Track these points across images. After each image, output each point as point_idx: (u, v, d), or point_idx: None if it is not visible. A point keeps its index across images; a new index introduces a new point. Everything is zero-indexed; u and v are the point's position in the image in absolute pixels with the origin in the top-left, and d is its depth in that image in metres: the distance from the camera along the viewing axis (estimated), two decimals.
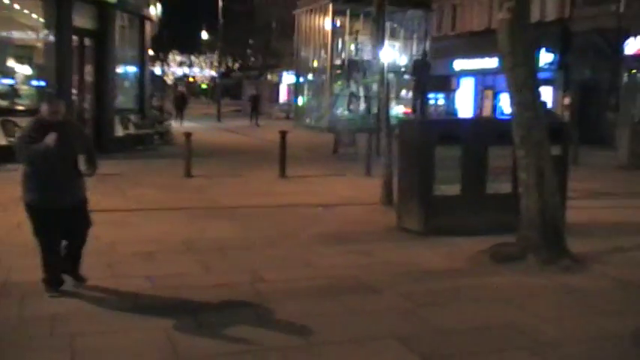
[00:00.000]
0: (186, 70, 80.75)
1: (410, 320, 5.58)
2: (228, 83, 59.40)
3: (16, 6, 17.38)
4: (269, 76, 51.93)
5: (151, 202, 10.90)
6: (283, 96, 48.38)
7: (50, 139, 5.63)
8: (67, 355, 4.69)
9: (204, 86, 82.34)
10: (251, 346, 4.91)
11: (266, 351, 4.82)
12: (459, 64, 34.58)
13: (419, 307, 5.92)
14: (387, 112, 11.52)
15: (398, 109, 30.61)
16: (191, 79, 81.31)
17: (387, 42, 17.78)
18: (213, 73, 69.83)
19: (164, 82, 60.81)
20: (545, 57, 27.58)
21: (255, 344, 4.94)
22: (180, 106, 34.52)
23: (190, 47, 72.99)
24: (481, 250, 7.71)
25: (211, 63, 74.27)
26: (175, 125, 26.25)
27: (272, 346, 4.90)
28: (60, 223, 5.91)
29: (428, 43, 33.29)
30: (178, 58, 78.52)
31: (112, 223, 8.80)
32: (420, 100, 30.08)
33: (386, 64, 12.00)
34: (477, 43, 31.06)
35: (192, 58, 78.82)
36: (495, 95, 32.01)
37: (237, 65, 65.29)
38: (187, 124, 28.98)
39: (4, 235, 8.21)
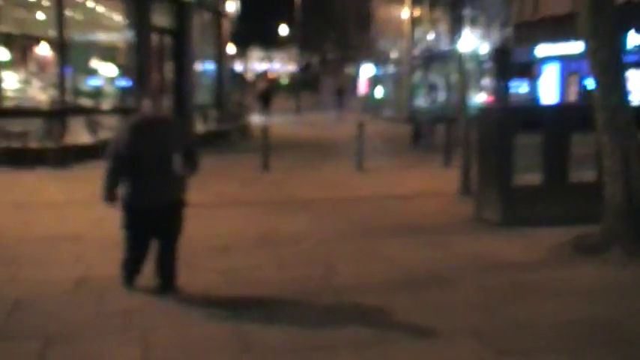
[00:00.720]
0: (266, 65, 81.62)
1: (486, 314, 5.39)
2: (307, 77, 59.58)
3: (99, 9, 17.88)
4: (347, 69, 51.78)
5: (229, 197, 11.00)
6: (362, 88, 48.17)
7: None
8: (140, 348, 4.74)
9: (284, 81, 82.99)
10: (323, 341, 4.85)
11: (338, 346, 4.74)
12: (542, 50, 33.49)
13: (496, 300, 5.72)
14: (465, 100, 11.23)
15: (479, 98, 30.01)
16: (271, 75, 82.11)
17: (467, 30, 17.41)
18: (293, 67, 70.33)
19: (244, 78, 61.57)
20: (636, 39, 26.39)
21: (327, 339, 4.87)
22: (266, 101, 33.60)
23: (270, 42, 73.71)
24: (563, 241, 7.42)
25: (291, 58, 74.85)
26: (260, 120, 26.30)
27: (345, 342, 4.81)
28: (151, 222, 5.79)
29: (509, 30, 32.44)
30: (259, 54, 79.44)
31: (190, 218, 8.82)
32: (501, 88, 29.37)
33: (466, 53, 11.70)
34: (561, 28, 29.96)
35: (272, 53, 79.60)
36: (581, 81, 30.89)
37: (315, 59, 65.46)
38: (263, 119, 28.79)
39: (85, 230, 8.41)
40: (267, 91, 35.90)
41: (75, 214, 9.50)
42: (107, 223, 8.70)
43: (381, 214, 9.59)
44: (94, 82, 19.17)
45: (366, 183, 12.63)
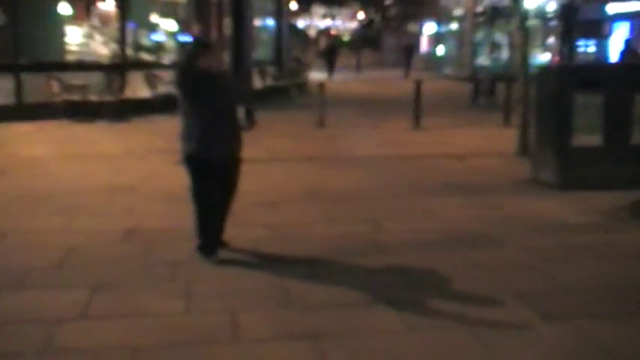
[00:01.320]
0: (328, 22, 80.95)
1: (531, 276, 5.27)
2: (368, 34, 58.87)
3: None
4: (409, 27, 50.94)
5: (282, 152, 11.01)
6: (424, 46, 47.37)
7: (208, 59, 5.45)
8: (184, 299, 4.80)
9: (345, 38, 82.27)
10: (363, 298, 4.82)
11: (378, 303, 4.71)
12: (613, 7, 32.23)
13: (543, 262, 5.57)
14: (526, 58, 10.88)
15: (544, 57, 29.14)
16: (333, 31, 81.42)
17: None
18: (354, 25, 69.56)
19: (306, 34, 61.24)
20: None
21: (367, 297, 4.84)
22: (331, 58, 32.65)
23: None
24: (620, 204, 7.19)
25: (353, 15, 74.02)
26: (321, 77, 26.02)
27: (385, 299, 4.77)
28: (216, 177, 5.62)
29: None
30: (321, 10, 78.78)
31: (242, 173, 8.92)
32: (567, 47, 28.42)
33: (530, 9, 11.30)
34: None
35: (334, 10, 78.81)
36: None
37: (377, 16, 64.58)
38: (323, 76, 27.87)
39: (138, 183, 8.55)
40: (331, 48, 34.94)
41: (130, 166, 9.67)
42: (160, 176, 8.91)
43: (434, 173, 9.45)
44: (155, 37, 19.35)
45: (421, 141, 12.46)
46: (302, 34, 57.53)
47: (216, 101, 5.47)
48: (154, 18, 19.90)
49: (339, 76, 26.86)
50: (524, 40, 10.90)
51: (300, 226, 6.68)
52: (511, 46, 30.59)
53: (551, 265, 5.52)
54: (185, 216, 5.96)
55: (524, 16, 11.16)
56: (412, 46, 34.76)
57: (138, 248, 5.95)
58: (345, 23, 79.29)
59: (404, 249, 5.94)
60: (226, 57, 18.37)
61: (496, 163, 10.23)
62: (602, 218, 6.98)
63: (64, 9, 17.59)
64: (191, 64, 5.55)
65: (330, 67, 31.87)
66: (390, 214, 7.12)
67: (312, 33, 72.36)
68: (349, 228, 6.63)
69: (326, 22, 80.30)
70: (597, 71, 9.77)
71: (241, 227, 6.46)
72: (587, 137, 8.47)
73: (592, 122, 8.44)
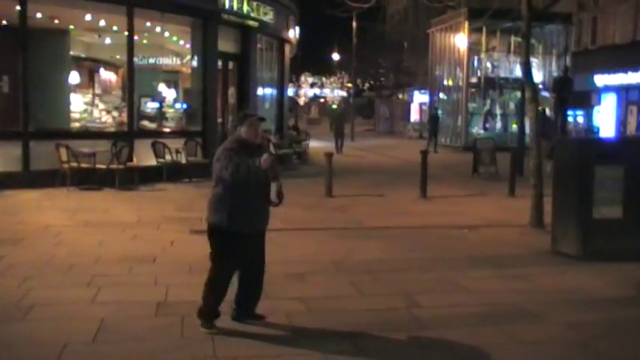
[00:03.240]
0: (317, 90, 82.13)
1: (582, 353, 5.20)
2: (359, 102, 59.75)
3: (166, 33, 18.20)
4: (400, 95, 51.77)
5: (296, 222, 10.95)
6: (415, 115, 48.04)
7: (266, 161, 5.28)
8: None
9: (334, 106, 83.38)
10: None
11: None
12: (601, 79, 32.96)
13: (590, 338, 5.51)
14: (539, 131, 11.02)
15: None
16: (322, 100, 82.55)
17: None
18: (344, 93, 70.58)
19: (296, 102, 61.94)
20: None
21: None
22: (339, 128, 28.65)
23: (322, 68, 74.25)
24: None
25: (342, 83, 75.19)
26: (321, 146, 25.98)
27: None
28: (243, 250, 5.62)
29: (568, 58, 32.02)
30: (310, 79, 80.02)
31: None
32: (560, 118, 28.85)
33: (532, 81, 11.49)
34: (621, 57, 29.54)
35: (324, 79, 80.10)
36: None
37: (367, 85, 65.65)
38: (317, 144, 27.21)
39: (159, 252, 8.46)
40: (339, 117, 31.16)
41: (146, 235, 9.57)
42: (179, 246, 8.83)
43: (453, 244, 9.44)
44: (153, 105, 19.51)
45: (431, 210, 12.47)
46: (292, 102, 58.25)
47: (251, 175, 5.40)
48: (156, 86, 20.11)
49: (334, 145, 26.99)
50: (536, 114, 11.05)
51: (332, 300, 6.59)
52: (504, 115, 31.11)
53: (599, 340, 5.45)
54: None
55: (535, 88, 11.35)
56: (437, 116, 30.58)
57: (170, 322, 5.81)
58: (334, 91, 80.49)
59: (443, 324, 5.86)
60: (230, 125, 18.53)
61: (511, 233, 10.24)
62: (635, 291, 6.94)
63: (73, 78, 17.75)
64: (237, 140, 5.55)
65: (340, 137, 28.20)
66: (420, 287, 7.06)
67: (301, 101, 73.31)
68: (383, 302, 6.56)
69: (314, 91, 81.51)
70: (616, 144, 9.92)
71: (273, 300, 6.37)
72: (608, 209, 8.51)
73: (613, 195, 8.49)
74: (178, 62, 20.58)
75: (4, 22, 16.14)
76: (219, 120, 18.00)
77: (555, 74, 30.16)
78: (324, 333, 5.61)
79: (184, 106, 19.71)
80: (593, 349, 5.27)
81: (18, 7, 13.70)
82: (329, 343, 5.34)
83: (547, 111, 28.72)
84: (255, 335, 5.51)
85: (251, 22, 18.50)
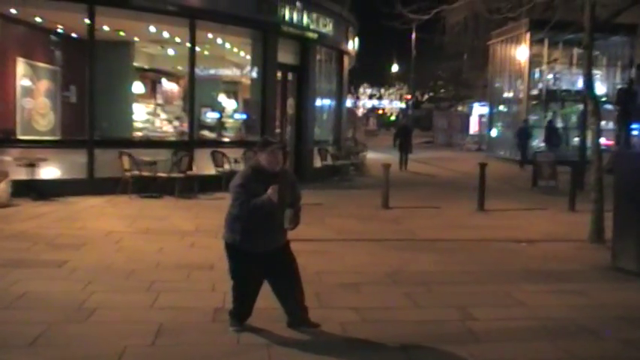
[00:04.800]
0: (375, 102, 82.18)
1: None
2: (418, 114, 59.50)
3: (227, 45, 18.52)
4: (459, 107, 51.36)
5: (351, 233, 11.02)
6: (474, 127, 47.56)
7: (272, 194, 5.43)
8: None
9: (392, 118, 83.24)
10: None
11: None
12: None
13: None
14: (598, 145, 10.84)
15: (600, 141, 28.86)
16: (380, 111, 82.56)
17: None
18: (402, 104, 70.48)
19: (354, 114, 62.07)
20: None
21: None
22: (403, 142, 25.21)
23: (381, 79, 74.30)
24: None
25: (400, 95, 75.11)
26: (379, 157, 25.80)
27: None
28: (260, 265, 5.75)
29: (633, 71, 31.26)
30: (368, 90, 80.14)
31: (315, 253, 8.95)
32: (624, 132, 28.18)
33: (595, 94, 11.31)
34: None
35: (382, 90, 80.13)
36: None
37: (426, 96, 65.40)
38: (375, 155, 27.24)
39: (217, 260, 8.55)
40: (405, 129, 27.32)
41: (204, 243, 9.74)
42: None
43: (509, 258, 9.35)
44: (213, 115, 19.88)
45: (488, 224, 12.37)
46: (350, 113, 58.42)
47: (256, 210, 5.50)
48: (216, 96, 20.48)
49: (393, 158, 26.69)
50: (597, 127, 10.86)
51: (386, 311, 6.61)
52: (565, 129, 30.54)
53: None
54: (267, 295, 5.93)
55: (597, 101, 11.17)
56: (528, 128, 27.86)
57: (227, 328, 5.90)
58: (392, 103, 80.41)
59: (498, 338, 5.83)
60: (289, 136, 18.75)
61: (570, 248, 10.08)
62: None
63: (136, 88, 18.24)
64: (253, 167, 5.69)
65: (405, 153, 24.96)
66: (474, 300, 7.02)
67: (359, 112, 73.39)
68: (436, 314, 6.55)
69: (373, 102, 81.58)
70: None
71: (328, 309, 6.44)
72: None
73: None
74: (238, 73, 20.92)
75: (74, 34, 16.71)
76: (278, 130, 18.21)
77: (619, 87, 29.50)
78: (377, 344, 5.63)
79: (243, 116, 20.01)
80: None
81: (87, 20, 14.16)
82: (382, 353, 5.37)
83: (555, 121, 28.09)
84: (309, 343, 5.58)
85: (310, 34, 18.71)
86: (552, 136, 27.04)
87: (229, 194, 5.72)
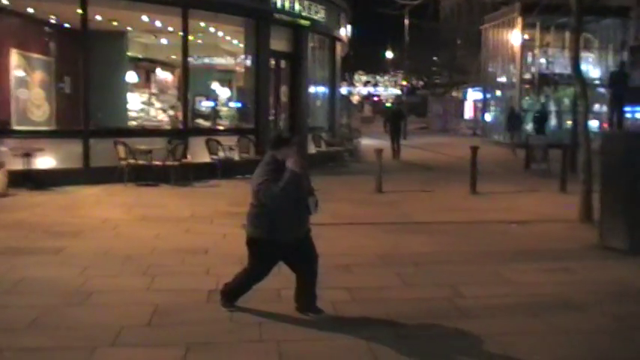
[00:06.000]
0: (370, 89, 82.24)
1: (621, 343, 5.26)
2: (413, 101, 59.56)
3: (220, 33, 18.59)
4: (454, 93, 51.46)
5: (345, 216, 11.15)
6: (468, 112, 47.70)
7: (293, 164, 5.57)
8: (276, 357, 4.91)
9: (388, 105, 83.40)
10: None
11: None
12: None
13: (631, 329, 5.57)
14: (587, 126, 10.98)
15: (592, 124, 29.01)
16: (375, 98, 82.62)
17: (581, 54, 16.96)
18: (397, 91, 70.54)
19: (349, 101, 62.13)
20: None
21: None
22: (396, 127, 24.28)
23: (375, 66, 74.32)
24: None
25: (395, 82, 75.17)
26: (373, 143, 25.76)
27: None
28: (290, 253, 5.87)
29: (625, 54, 31.38)
30: (364, 77, 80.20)
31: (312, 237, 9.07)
32: (617, 114, 28.31)
33: (585, 77, 11.46)
34: None
35: (377, 77, 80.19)
36: None
37: (421, 83, 65.44)
38: (370, 142, 26.24)
39: (211, 245, 8.76)
40: (398, 114, 26.20)
41: (199, 229, 9.89)
42: (231, 239, 9.07)
43: (500, 238, 9.51)
44: (208, 104, 19.98)
45: (481, 206, 12.53)
46: (345, 100, 58.50)
47: (298, 176, 5.66)
48: (210, 85, 20.57)
49: (387, 143, 26.69)
50: (585, 109, 11.00)
51: (377, 290, 6.77)
52: (558, 112, 30.69)
53: (637, 332, 5.50)
54: None
55: (584, 84, 11.30)
56: (518, 114, 27.61)
57: (220, 308, 6.05)
58: (388, 90, 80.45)
59: (486, 314, 5.98)
60: (283, 123, 18.87)
61: (560, 229, 10.24)
62: None
63: (130, 78, 18.31)
64: (272, 160, 5.77)
65: (397, 138, 24.01)
66: (465, 279, 7.17)
67: (354, 99, 73.45)
68: (427, 292, 6.71)
69: (368, 89, 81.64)
70: None
71: (320, 289, 6.52)
72: None
73: None
74: (232, 61, 21.01)
75: (67, 24, 16.77)
76: (272, 118, 18.31)
77: (612, 69, 29.60)
78: (366, 320, 5.80)
79: (237, 104, 20.12)
80: (631, 340, 5.32)
81: (79, 11, 14.22)
82: (371, 329, 5.52)
83: (515, 108, 28.24)
84: (299, 321, 5.74)
85: (302, 21, 18.78)
86: (514, 120, 27.36)
87: (252, 193, 5.79)
